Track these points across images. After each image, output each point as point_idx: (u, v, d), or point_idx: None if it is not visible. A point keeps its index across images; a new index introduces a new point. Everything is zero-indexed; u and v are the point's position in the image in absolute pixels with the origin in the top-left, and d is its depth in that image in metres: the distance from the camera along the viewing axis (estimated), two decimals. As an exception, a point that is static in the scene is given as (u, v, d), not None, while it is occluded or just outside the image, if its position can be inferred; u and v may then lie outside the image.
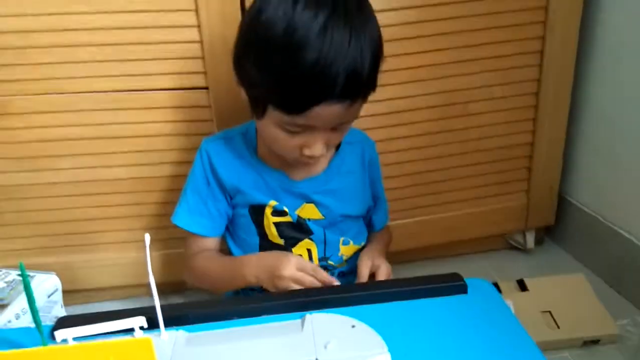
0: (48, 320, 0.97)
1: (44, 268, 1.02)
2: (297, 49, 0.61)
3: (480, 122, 1.07)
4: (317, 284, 0.69)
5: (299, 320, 0.54)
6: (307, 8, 0.61)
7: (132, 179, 0.99)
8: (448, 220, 1.12)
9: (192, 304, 0.60)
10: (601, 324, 0.93)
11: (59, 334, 0.51)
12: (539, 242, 1.23)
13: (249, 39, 0.68)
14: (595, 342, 0.93)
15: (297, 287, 0.69)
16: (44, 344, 0.52)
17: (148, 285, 0.51)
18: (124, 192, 1.00)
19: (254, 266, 0.74)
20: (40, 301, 0.95)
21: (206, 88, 0.94)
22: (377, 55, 0.67)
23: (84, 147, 0.95)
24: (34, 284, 0.96)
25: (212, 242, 0.85)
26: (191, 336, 0.53)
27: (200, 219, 0.82)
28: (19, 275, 0.99)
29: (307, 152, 0.71)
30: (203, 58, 0.92)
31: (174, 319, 0.54)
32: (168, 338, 0.53)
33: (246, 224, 0.82)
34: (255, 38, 0.66)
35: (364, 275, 0.76)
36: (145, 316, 0.52)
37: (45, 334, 0.55)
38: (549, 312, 0.95)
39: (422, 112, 1.03)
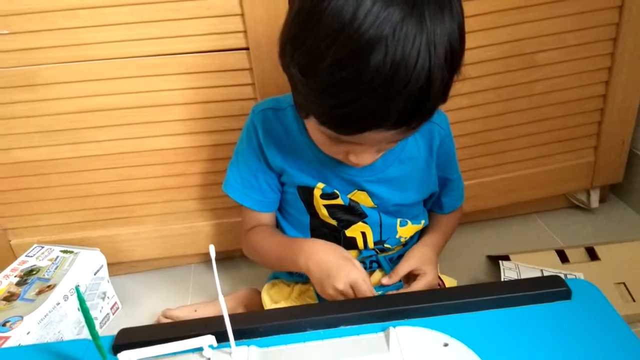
0: (96, 297, 0.96)
1: (89, 242, 1.00)
2: (353, 62, 0.47)
3: (549, 73, 0.96)
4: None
5: (382, 335, 0.48)
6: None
7: (173, 149, 0.93)
8: (509, 181, 1.04)
9: (263, 314, 0.55)
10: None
11: (123, 356, 0.47)
12: (602, 199, 1.15)
13: (298, 36, 0.52)
14: (673, 314, 0.87)
15: (341, 298, 0.66)
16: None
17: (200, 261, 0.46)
18: (167, 163, 0.94)
19: (312, 259, 0.68)
20: (87, 279, 0.93)
21: (246, 49, 0.86)
22: (452, 69, 0.52)
23: (122, 117, 0.89)
24: (80, 262, 0.93)
25: (266, 217, 0.79)
26: (264, 352, 0.49)
27: (253, 194, 0.77)
28: (62, 251, 0.96)
29: (353, 159, 0.61)
30: (242, 15, 0.83)
31: (244, 332, 0.49)
32: (239, 355, 0.48)
33: (295, 202, 0.76)
34: (304, 36, 0.51)
35: (399, 274, 0.71)
36: (214, 330, 0.48)
37: (105, 347, 0.51)
38: (623, 283, 0.89)
39: (485, 66, 0.93)
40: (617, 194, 1.17)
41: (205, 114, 0.90)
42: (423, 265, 0.72)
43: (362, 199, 0.74)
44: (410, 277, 0.74)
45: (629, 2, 0.91)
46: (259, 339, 0.50)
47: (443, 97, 0.53)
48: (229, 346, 0.48)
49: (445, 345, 0.46)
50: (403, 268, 0.72)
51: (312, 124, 0.60)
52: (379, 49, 0.46)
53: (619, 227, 1.09)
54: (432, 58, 0.48)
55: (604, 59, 0.96)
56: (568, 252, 0.96)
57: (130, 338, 0.50)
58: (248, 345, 0.49)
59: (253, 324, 0.50)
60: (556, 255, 0.95)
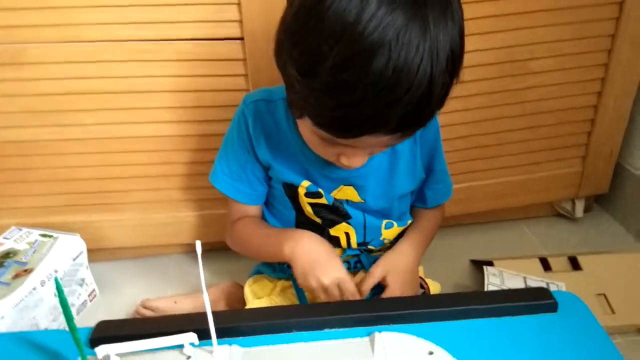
0: (74, 284, 0.94)
1: (69, 226, 0.98)
2: (355, 64, 0.47)
3: (543, 81, 0.96)
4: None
5: (367, 339, 0.48)
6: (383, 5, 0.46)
7: (160, 137, 0.91)
8: (498, 186, 1.05)
9: (247, 313, 0.54)
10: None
11: (101, 350, 0.45)
12: (587, 209, 1.15)
13: (297, 34, 0.51)
14: (651, 327, 0.88)
15: (322, 295, 0.65)
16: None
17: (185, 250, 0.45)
18: (153, 151, 0.92)
19: (300, 247, 0.67)
20: (65, 265, 0.91)
21: (241, 39, 0.84)
22: (453, 74, 0.51)
23: (109, 101, 0.87)
24: (58, 247, 0.91)
25: (253, 210, 0.78)
26: (246, 352, 0.48)
27: (240, 186, 0.75)
28: (41, 235, 0.94)
29: (345, 161, 0.60)
30: (239, 4, 0.81)
31: (227, 331, 0.48)
32: (221, 354, 0.47)
33: (281, 197, 0.75)
34: (305, 35, 0.49)
35: (367, 289, 0.69)
36: (196, 327, 0.47)
37: (83, 340, 0.49)
38: (604, 295, 0.89)
39: (480, 70, 0.92)
40: (602, 204, 1.18)
41: (195, 103, 0.89)
42: (387, 277, 0.70)
43: (350, 194, 0.73)
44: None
45: (626, 15, 0.91)
46: (242, 338, 0.49)
47: (442, 102, 0.52)
48: (211, 344, 0.47)
49: (430, 353, 0.46)
50: (368, 283, 0.69)
51: (305, 125, 0.59)
52: (381, 53, 0.46)
53: (602, 237, 1.10)
54: (434, 64, 0.47)
55: (598, 69, 0.97)
56: (551, 261, 0.96)
57: (109, 331, 0.49)
58: (230, 344, 0.48)
59: (236, 323, 0.49)
60: (539, 263, 0.96)
